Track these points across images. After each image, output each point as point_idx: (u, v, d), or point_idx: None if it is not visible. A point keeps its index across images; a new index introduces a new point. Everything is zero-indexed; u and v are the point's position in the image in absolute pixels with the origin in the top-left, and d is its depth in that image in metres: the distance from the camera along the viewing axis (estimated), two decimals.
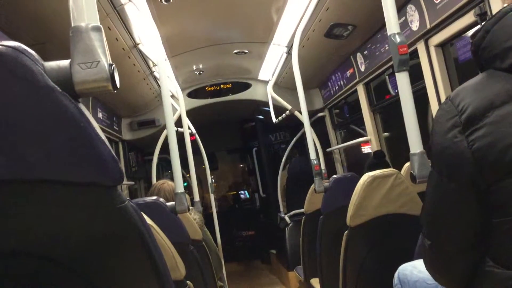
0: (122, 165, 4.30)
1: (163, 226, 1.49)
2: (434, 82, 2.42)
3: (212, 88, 4.88)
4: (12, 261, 0.68)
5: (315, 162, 2.81)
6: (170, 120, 2.16)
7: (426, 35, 2.41)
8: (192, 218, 2.46)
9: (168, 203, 2.02)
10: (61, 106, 0.65)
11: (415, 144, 1.48)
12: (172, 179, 2.24)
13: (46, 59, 0.69)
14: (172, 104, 2.62)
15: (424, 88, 2.51)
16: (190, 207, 2.43)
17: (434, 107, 2.46)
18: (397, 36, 1.47)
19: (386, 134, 3.63)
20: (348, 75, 3.72)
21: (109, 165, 0.68)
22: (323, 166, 4.24)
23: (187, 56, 3.77)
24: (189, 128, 3.92)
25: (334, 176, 2.81)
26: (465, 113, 0.92)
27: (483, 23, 1.05)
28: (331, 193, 2.71)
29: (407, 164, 2.38)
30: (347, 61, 3.63)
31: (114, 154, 0.70)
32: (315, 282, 3.20)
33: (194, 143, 3.96)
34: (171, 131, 2.15)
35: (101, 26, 0.78)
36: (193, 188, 3.37)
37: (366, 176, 1.99)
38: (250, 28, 3.41)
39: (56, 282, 0.70)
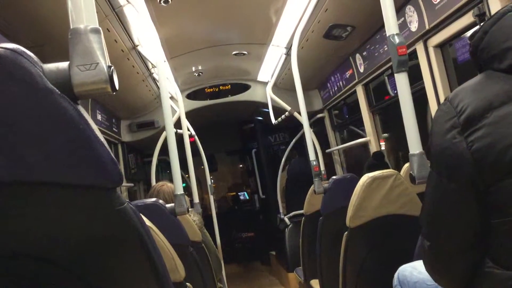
0: (121, 167, 4.29)
1: (162, 228, 1.49)
2: (433, 83, 2.42)
3: (211, 90, 4.88)
4: (12, 263, 0.68)
5: (314, 163, 2.81)
6: (169, 122, 2.16)
7: (425, 36, 2.41)
8: (192, 220, 2.45)
9: (168, 205, 2.02)
10: (60, 108, 0.65)
11: (414, 144, 1.48)
12: (171, 180, 2.24)
13: (45, 61, 0.69)
14: (171, 106, 2.63)
15: (423, 88, 2.51)
16: (190, 209, 2.42)
17: (433, 107, 2.46)
18: (396, 37, 1.47)
19: (386, 134, 3.63)
20: (347, 76, 3.72)
21: (108, 167, 0.68)
22: (322, 167, 4.25)
23: (186, 57, 3.77)
24: (188, 130, 3.91)
25: (334, 177, 2.81)
26: (464, 114, 0.92)
27: (481, 24, 1.05)
28: (330, 194, 2.71)
29: (407, 165, 2.38)
30: (346, 62, 3.63)
31: (113, 156, 0.70)
32: (315, 283, 3.20)
33: (193, 144, 3.96)
34: (170, 133, 2.14)
35: (100, 28, 0.78)
36: (192, 189, 3.37)
37: (366, 177, 1.99)
38: (249, 29, 3.41)
39: (56, 283, 0.70)
